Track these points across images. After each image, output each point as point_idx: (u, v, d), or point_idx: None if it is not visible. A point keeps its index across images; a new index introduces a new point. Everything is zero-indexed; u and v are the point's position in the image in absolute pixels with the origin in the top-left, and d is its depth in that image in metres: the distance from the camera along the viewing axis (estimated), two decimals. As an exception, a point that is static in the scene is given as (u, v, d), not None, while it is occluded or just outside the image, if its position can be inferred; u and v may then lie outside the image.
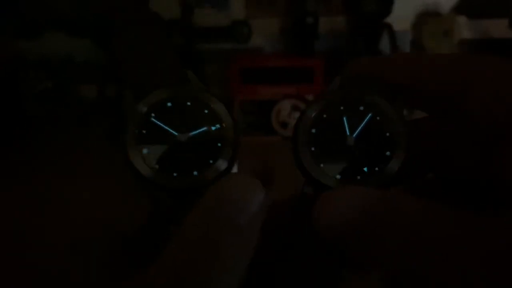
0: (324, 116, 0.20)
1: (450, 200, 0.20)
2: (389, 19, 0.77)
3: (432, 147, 0.20)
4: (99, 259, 0.17)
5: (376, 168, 0.19)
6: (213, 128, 0.20)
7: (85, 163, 0.71)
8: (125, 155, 0.19)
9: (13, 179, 0.67)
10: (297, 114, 0.80)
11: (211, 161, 0.19)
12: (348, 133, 0.19)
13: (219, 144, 0.19)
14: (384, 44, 0.78)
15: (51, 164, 0.71)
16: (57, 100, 0.82)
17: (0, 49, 0.80)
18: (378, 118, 0.19)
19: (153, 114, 0.19)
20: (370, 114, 0.19)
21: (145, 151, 0.19)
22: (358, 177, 0.19)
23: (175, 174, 0.19)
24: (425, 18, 0.82)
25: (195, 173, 0.19)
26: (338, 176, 0.19)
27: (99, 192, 0.59)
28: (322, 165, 0.19)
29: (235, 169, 0.20)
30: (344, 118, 0.19)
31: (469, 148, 0.18)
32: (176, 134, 0.19)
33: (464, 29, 0.81)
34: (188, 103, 0.20)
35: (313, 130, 0.19)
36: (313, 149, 0.19)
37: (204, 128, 0.19)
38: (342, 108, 0.20)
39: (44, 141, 0.79)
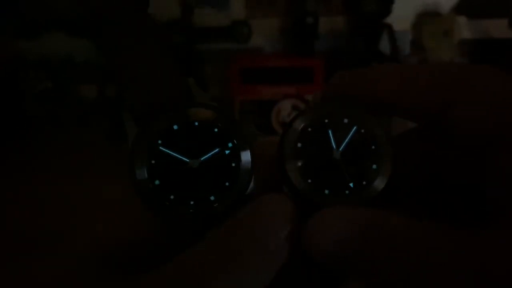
0: (309, 130, 0.19)
1: (440, 211, 0.20)
2: (389, 19, 0.77)
3: (429, 153, 0.20)
4: (101, 261, 0.17)
5: (364, 182, 0.19)
6: (225, 149, 0.18)
7: (85, 163, 0.71)
8: (136, 189, 0.18)
9: (13, 179, 0.67)
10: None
11: (227, 184, 0.18)
12: (334, 147, 0.19)
13: (233, 164, 0.18)
14: (384, 44, 0.78)
15: (51, 164, 0.71)
16: (57, 100, 0.82)
17: (0, 49, 0.80)
18: (362, 131, 0.19)
19: (160, 141, 0.18)
20: (355, 127, 0.19)
21: (157, 182, 0.18)
22: (347, 192, 0.19)
23: (191, 202, 0.18)
24: (425, 18, 0.82)
25: (212, 198, 0.18)
26: (326, 191, 0.19)
27: (99, 192, 0.59)
28: (309, 180, 0.19)
29: (251, 185, 0.19)
30: (329, 132, 0.19)
31: (461, 155, 0.18)
32: (187, 160, 0.18)
33: (464, 29, 0.81)
34: (196, 123, 0.18)
35: (299, 145, 0.19)
36: (299, 164, 0.19)
37: (216, 150, 0.18)
38: (326, 121, 0.19)
39: (44, 141, 0.79)
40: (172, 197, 0.18)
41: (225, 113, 0.19)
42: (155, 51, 0.20)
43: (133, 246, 0.18)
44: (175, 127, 0.18)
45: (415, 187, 0.21)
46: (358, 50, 0.79)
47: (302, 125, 0.19)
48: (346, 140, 0.19)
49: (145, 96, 0.19)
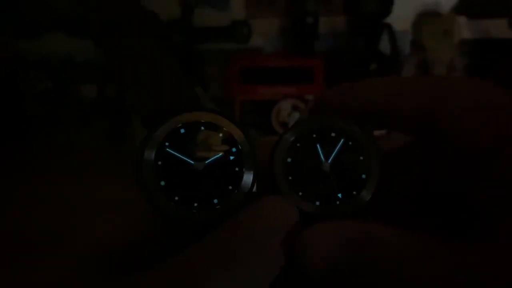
0: (298, 145, 0.20)
1: (435, 217, 0.20)
2: (389, 19, 0.77)
3: (425, 161, 0.20)
4: (102, 260, 0.17)
5: (354, 192, 0.19)
6: (229, 153, 0.19)
7: (85, 163, 0.71)
8: (142, 189, 0.18)
9: (13, 179, 0.67)
10: (297, 114, 0.80)
11: (230, 187, 0.19)
12: (323, 160, 0.20)
13: (236, 169, 0.19)
14: (384, 44, 0.78)
15: (51, 164, 0.71)
16: (57, 100, 0.82)
17: (0, 49, 0.80)
18: (350, 143, 0.20)
19: (167, 143, 0.19)
20: (342, 140, 0.20)
21: (162, 183, 0.18)
22: (337, 202, 0.19)
23: (195, 205, 0.18)
24: (425, 18, 0.82)
25: (215, 201, 0.18)
26: (317, 203, 0.19)
27: (99, 192, 0.59)
28: (300, 193, 0.19)
29: (254, 189, 0.19)
30: (318, 146, 0.20)
31: (456, 162, 0.18)
32: (192, 163, 0.19)
33: (464, 29, 0.81)
34: (202, 128, 0.19)
35: (289, 160, 0.20)
36: (290, 178, 0.19)
37: (221, 154, 0.19)
38: (314, 136, 0.20)
39: (44, 141, 0.79)
40: (176, 198, 0.18)
41: (230, 118, 0.19)
42: (157, 51, 0.20)
43: (133, 246, 0.18)
44: (182, 130, 0.19)
45: (411, 193, 0.21)
46: (358, 50, 0.79)
47: (291, 140, 0.20)
48: (334, 152, 0.20)
49: (147, 97, 0.19)
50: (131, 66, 0.19)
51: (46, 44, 0.80)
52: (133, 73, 0.19)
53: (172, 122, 0.19)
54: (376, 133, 0.78)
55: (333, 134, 0.20)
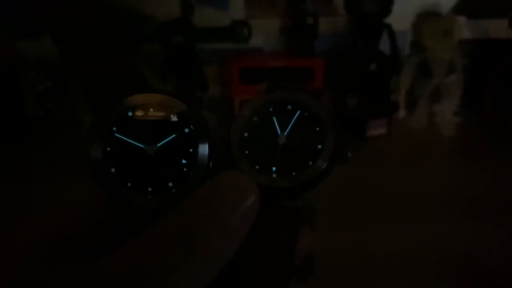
0: (255, 119, 0.20)
1: None
2: (389, 19, 0.77)
3: None
4: (55, 248, 0.16)
5: (310, 162, 0.19)
6: (182, 134, 0.18)
7: (85, 164, 0.71)
8: (93, 176, 0.17)
9: (12, 180, 0.67)
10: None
11: (185, 169, 0.18)
12: (279, 132, 0.20)
13: (190, 150, 0.18)
14: (384, 44, 0.78)
15: (50, 165, 0.71)
16: (57, 100, 0.82)
17: (0, 49, 0.80)
18: (306, 114, 0.20)
19: (115, 128, 0.18)
20: (298, 112, 0.20)
21: (113, 170, 0.18)
22: (293, 173, 0.19)
23: (149, 189, 0.17)
24: (425, 18, 0.82)
25: (170, 184, 0.18)
26: (274, 175, 0.19)
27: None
28: (257, 167, 0.19)
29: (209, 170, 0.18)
30: (274, 118, 0.20)
31: None
32: (143, 146, 0.18)
33: (464, 29, 0.81)
34: (151, 109, 0.18)
35: (246, 134, 0.20)
36: (247, 152, 0.19)
37: (173, 136, 0.18)
38: (271, 109, 0.20)
39: (44, 141, 0.79)
40: (129, 184, 0.18)
41: (180, 98, 0.19)
42: (104, 34, 0.19)
43: (88, 232, 0.18)
44: (130, 113, 0.18)
45: None
46: (358, 50, 0.79)
47: (248, 115, 0.20)
48: (291, 124, 0.20)
49: (93, 79, 0.18)
50: (76, 47, 0.18)
51: (46, 44, 0.80)
52: (79, 55, 0.18)
53: (120, 105, 0.18)
54: (376, 133, 0.78)
55: (289, 107, 0.20)
